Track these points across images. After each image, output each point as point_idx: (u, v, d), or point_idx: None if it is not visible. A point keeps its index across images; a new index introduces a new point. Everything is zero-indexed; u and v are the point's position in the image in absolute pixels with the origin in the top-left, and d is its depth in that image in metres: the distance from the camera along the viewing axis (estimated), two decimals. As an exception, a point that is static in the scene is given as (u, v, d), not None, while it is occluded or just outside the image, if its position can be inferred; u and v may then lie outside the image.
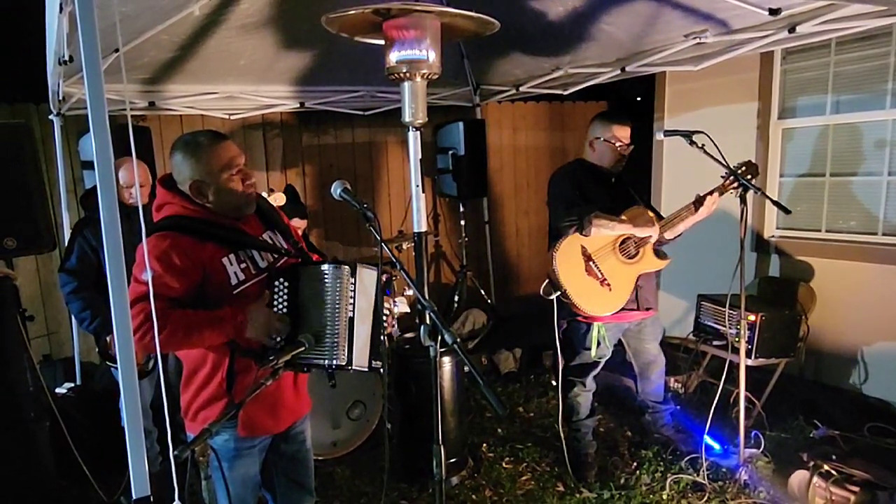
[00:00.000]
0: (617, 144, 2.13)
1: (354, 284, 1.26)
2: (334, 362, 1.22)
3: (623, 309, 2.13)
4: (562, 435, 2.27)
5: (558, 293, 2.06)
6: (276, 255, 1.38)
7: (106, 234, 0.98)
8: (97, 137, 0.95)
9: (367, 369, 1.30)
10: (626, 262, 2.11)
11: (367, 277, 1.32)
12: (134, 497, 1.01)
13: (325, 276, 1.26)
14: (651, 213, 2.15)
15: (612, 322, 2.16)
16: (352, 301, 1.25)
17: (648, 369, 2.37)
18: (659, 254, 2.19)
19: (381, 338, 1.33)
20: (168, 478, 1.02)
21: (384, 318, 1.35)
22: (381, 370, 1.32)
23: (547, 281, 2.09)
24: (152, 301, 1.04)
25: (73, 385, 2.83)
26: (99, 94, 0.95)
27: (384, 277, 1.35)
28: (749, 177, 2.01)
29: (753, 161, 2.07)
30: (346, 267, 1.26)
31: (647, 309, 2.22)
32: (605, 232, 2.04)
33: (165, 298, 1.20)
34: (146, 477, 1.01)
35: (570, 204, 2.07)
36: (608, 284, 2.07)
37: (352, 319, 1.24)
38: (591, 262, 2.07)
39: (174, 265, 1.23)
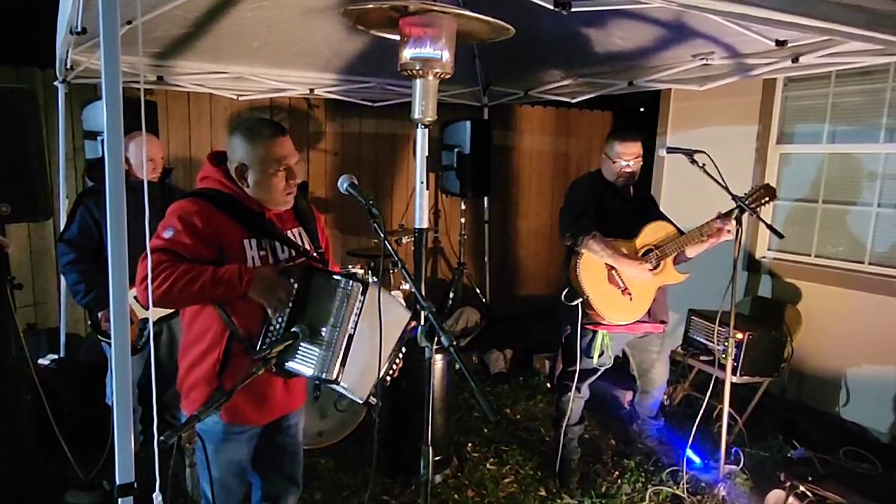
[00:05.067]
0: (617, 163, 2.14)
1: (363, 303, 1.23)
2: (323, 375, 1.20)
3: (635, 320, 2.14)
4: (560, 440, 2.28)
5: (580, 300, 2.08)
6: (296, 253, 1.39)
7: (110, 208, 0.97)
8: (109, 113, 0.95)
9: (361, 401, 1.27)
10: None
11: (393, 310, 1.28)
12: (117, 483, 0.98)
13: (336, 287, 1.24)
14: (672, 228, 2.15)
15: (617, 332, 2.17)
16: (356, 318, 1.23)
17: (650, 384, 2.37)
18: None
19: (387, 378, 1.32)
20: (151, 463, 1.00)
21: (396, 363, 1.33)
22: (373, 406, 1.30)
23: (568, 288, 2.11)
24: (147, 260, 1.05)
25: (56, 357, 2.79)
26: (115, 71, 0.95)
27: (412, 325, 1.32)
28: (767, 199, 2.03)
29: (771, 185, 2.09)
30: (359, 284, 1.24)
31: (661, 322, 2.23)
32: (593, 256, 2.06)
33: (178, 254, 1.23)
34: (132, 462, 0.99)
35: (575, 216, 2.08)
36: (629, 294, 2.09)
37: (351, 337, 1.22)
38: (613, 271, 2.09)
39: (194, 227, 1.25)
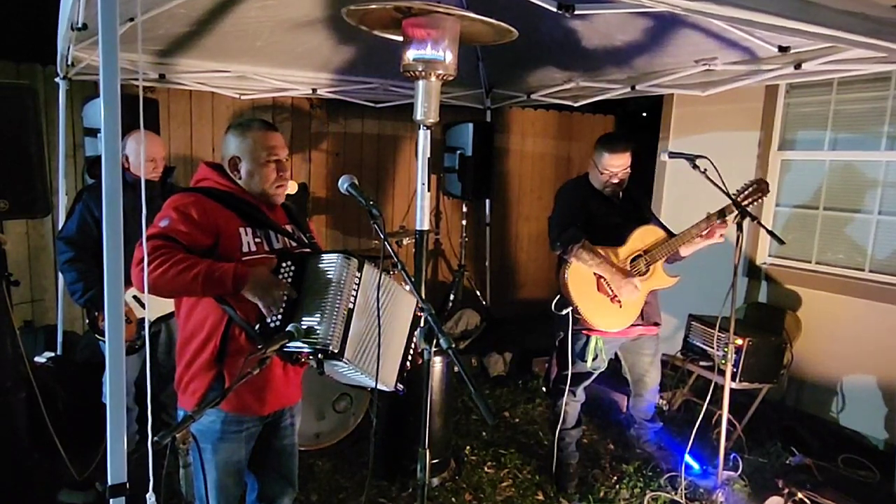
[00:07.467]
0: (605, 173, 2.13)
1: (359, 279, 1.26)
2: (329, 348, 1.21)
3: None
4: (556, 444, 2.28)
5: (570, 309, 2.08)
6: (291, 242, 1.41)
7: (106, 206, 0.97)
8: (106, 111, 0.94)
9: (387, 389, 1.33)
10: (637, 278, 2.11)
11: (400, 295, 1.32)
12: (109, 483, 0.98)
13: (332, 264, 1.26)
14: (661, 232, 2.15)
15: (610, 336, 2.17)
16: (354, 294, 1.25)
17: (643, 387, 2.38)
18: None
19: (407, 364, 1.37)
20: (143, 464, 1.00)
21: (413, 349, 1.37)
22: (400, 392, 1.35)
23: (558, 296, 2.11)
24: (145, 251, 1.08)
25: (53, 355, 2.77)
26: (113, 68, 0.94)
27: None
28: (760, 194, 2.01)
29: (764, 179, 2.07)
30: (355, 260, 1.27)
31: (653, 324, 2.23)
32: (582, 265, 2.06)
33: (175, 240, 1.24)
34: (124, 463, 0.99)
35: (564, 225, 2.08)
36: (618, 301, 2.09)
37: (351, 311, 1.24)
38: (602, 279, 2.08)
39: (190, 217, 1.28)
